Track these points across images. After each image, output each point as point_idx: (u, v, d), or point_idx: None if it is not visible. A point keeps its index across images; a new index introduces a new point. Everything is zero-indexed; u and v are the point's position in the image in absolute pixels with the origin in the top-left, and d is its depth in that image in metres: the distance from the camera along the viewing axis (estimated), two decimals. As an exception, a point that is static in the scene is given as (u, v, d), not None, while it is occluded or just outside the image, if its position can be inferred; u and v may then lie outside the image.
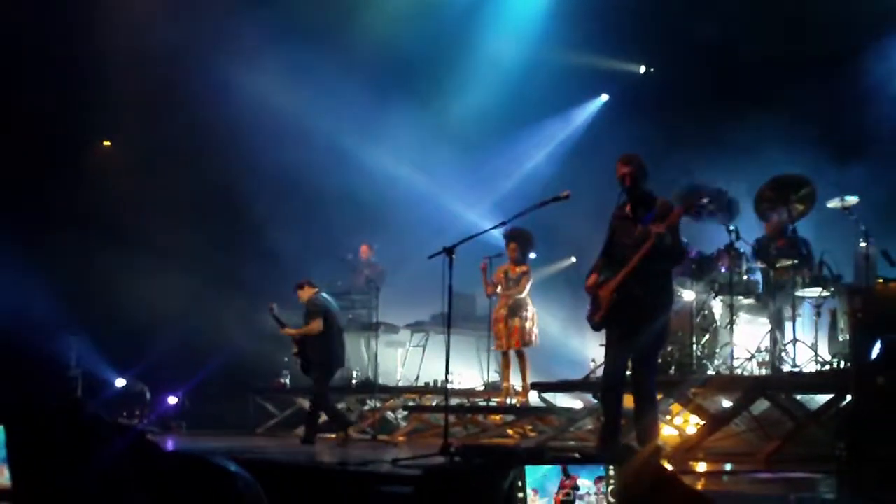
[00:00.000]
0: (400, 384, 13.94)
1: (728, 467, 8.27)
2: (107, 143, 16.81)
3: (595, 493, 3.63)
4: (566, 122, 16.42)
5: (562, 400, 11.78)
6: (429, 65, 15.14)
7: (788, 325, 10.04)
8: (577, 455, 7.54)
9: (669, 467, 6.95)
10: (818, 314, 10.01)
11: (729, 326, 10.09)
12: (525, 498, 3.57)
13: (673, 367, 10.09)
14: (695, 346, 10.16)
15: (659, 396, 8.37)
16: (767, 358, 10.00)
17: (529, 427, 11.89)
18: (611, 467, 3.63)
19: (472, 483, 4.07)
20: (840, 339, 9.78)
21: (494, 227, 9.19)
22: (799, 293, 10.08)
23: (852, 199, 10.04)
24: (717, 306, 10.54)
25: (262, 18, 14.35)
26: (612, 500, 3.61)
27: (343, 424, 11.63)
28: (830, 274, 9.97)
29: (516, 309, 11.56)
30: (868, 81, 12.32)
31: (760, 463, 8.29)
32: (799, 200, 10.41)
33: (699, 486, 6.39)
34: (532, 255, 11.73)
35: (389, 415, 13.78)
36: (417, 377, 13.70)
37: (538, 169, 15.95)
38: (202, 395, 14.15)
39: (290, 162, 14.73)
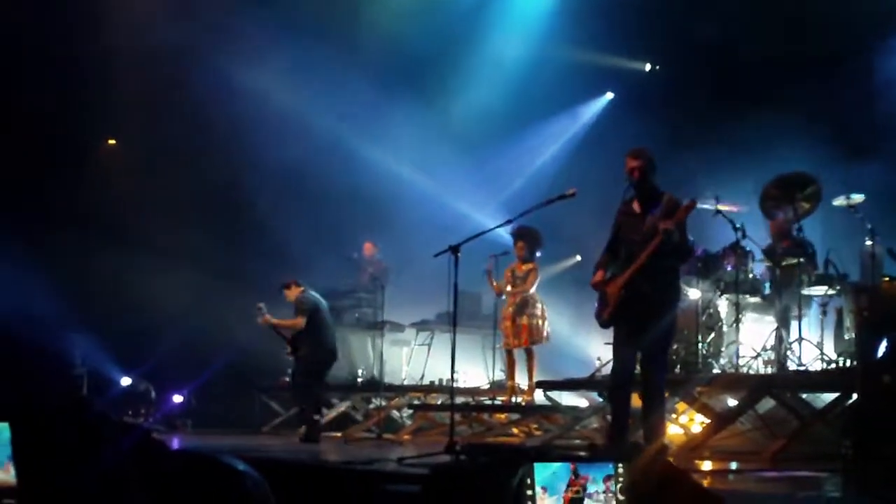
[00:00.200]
0: (405, 383, 13.95)
1: (733, 466, 8.28)
2: (112, 141, 16.81)
3: (604, 492, 3.64)
4: (572, 119, 16.43)
5: (567, 398, 11.80)
6: (433, 62, 15.15)
7: (794, 324, 10.04)
8: (583, 453, 7.59)
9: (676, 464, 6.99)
10: (824, 313, 10.03)
11: (735, 325, 10.10)
12: (534, 496, 3.58)
13: (678, 366, 10.10)
14: (700, 345, 10.17)
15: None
16: (773, 356, 10.00)
17: (535, 426, 11.90)
18: (620, 465, 3.65)
19: (480, 481, 4.08)
20: (846, 337, 9.79)
21: (500, 226, 9.19)
22: (805, 292, 10.09)
23: (858, 198, 10.06)
24: (723, 305, 10.56)
25: (266, 16, 14.37)
26: (621, 497, 3.62)
27: (309, 425, 11.51)
28: (836, 272, 9.99)
29: (524, 306, 11.56)
30: (874, 79, 12.33)
31: (766, 461, 8.29)
32: (804, 199, 10.40)
33: (704, 485, 6.39)
34: (538, 254, 11.72)
35: (395, 413, 13.80)
36: (423, 376, 13.71)
37: (544, 167, 15.97)
38: (207, 394, 14.18)
39: (295, 160, 14.74)
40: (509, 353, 11.84)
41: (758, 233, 10.81)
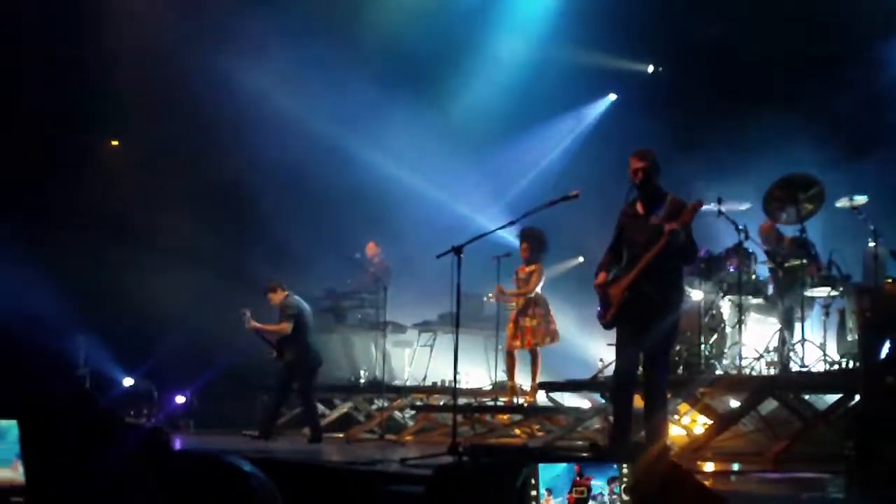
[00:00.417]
0: (407, 384, 13.96)
1: (736, 467, 8.29)
2: (114, 142, 16.83)
3: (608, 494, 3.64)
4: (574, 121, 16.44)
5: (569, 399, 11.80)
6: (436, 63, 15.16)
7: (797, 325, 10.04)
8: (586, 454, 7.60)
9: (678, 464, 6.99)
10: (827, 314, 10.04)
11: (737, 326, 10.10)
12: (538, 496, 3.58)
13: (681, 367, 10.11)
14: (703, 346, 10.18)
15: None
16: (776, 358, 10.01)
17: (537, 427, 11.91)
18: (624, 466, 3.65)
19: (483, 482, 4.09)
20: (849, 338, 9.79)
21: (502, 227, 9.21)
22: (808, 293, 10.09)
23: (861, 199, 10.07)
24: (726, 306, 10.56)
25: (267, 16, 14.38)
26: (625, 498, 3.63)
27: (267, 429, 11.53)
28: (839, 273, 9.99)
29: (526, 308, 11.56)
30: (877, 80, 12.33)
31: (769, 463, 8.29)
32: (808, 200, 10.40)
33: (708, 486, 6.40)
34: (543, 256, 11.71)
35: (397, 414, 13.80)
36: (425, 377, 13.72)
37: (547, 168, 15.98)
38: (210, 394, 14.18)
39: (296, 160, 14.77)
40: (510, 355, 11.84)
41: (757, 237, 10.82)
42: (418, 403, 13.12)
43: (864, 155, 11.58)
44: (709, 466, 8.19)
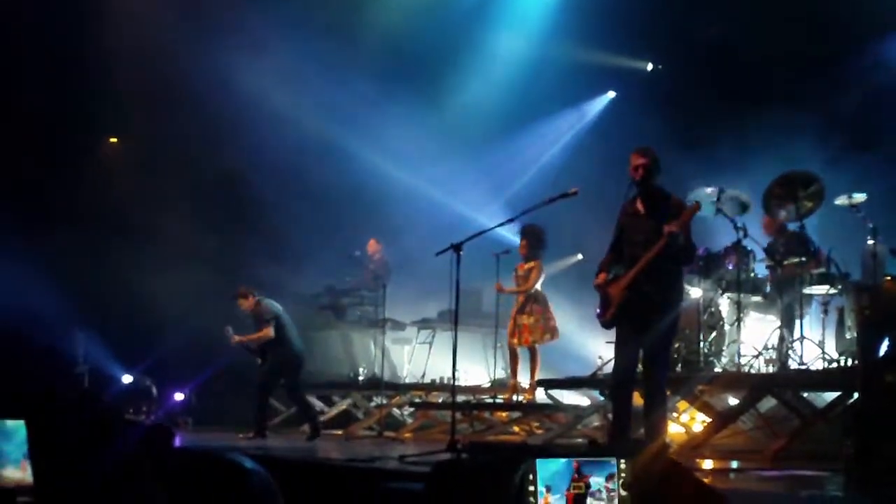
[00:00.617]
0: (406, 381, 13.97)
1: (735, 465, 8.31)
2: (113, 139, 16.83)
3: (607, 491, 3.66)
4: (573, 118, 16.43)
5: (569, 397, 11.81)
6: (435, 60, 15.16)
7: (796, 323, 10.05)
8: (585, 448, 7.61)
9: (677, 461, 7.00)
10: (825, 312, 10.04)
11: (736, 324, 10.11)
12: (537, 493, 3.60)
13: (680, 365, 10.12)
14: (702, 344, 10.19)
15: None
16: (774, 355, 10.02)
17: (536, 424, 11.92)
18: (622, 461, 3.66)
19: (482, 479, 4.10)
20: (847, 336, 9.80)
21: (501, 224, 9.21)
22: (807, 291, 10.10)
23: (860, 197, 10.08)
24: (725, 304, 10.58)
25: (266, 13, 14.39)
26: (623, 493, 3.64)
27: (260, 428, 11.68)
28: (838, 271, 10.00)
29: (524, 305, 11.58)
30: (876, 78, 12.33)
31: (767, 460, 8.30)
32: (807, 197, 10.41)
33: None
34: (542, 253, 11.71)
35: (396, 411, 13.81)
36: (424, 374, 13.73)
37: (546, 165, 15.97)
38: (209, 392, 14.20)
39: (297, 157, 14.79)
40: (511, 351, 11.85)
41: (759, 232, 10.84)
42: (417, 401, 13.14)
43: (864, 153, 11.58)
44: (707, 464, 8.20)
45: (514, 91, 15.21)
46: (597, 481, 3.66)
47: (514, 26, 15.58)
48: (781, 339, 10.04)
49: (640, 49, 15.47)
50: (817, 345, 9.82)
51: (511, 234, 12.08)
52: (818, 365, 9.62)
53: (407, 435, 12.33)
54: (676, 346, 9.91)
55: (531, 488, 3.60)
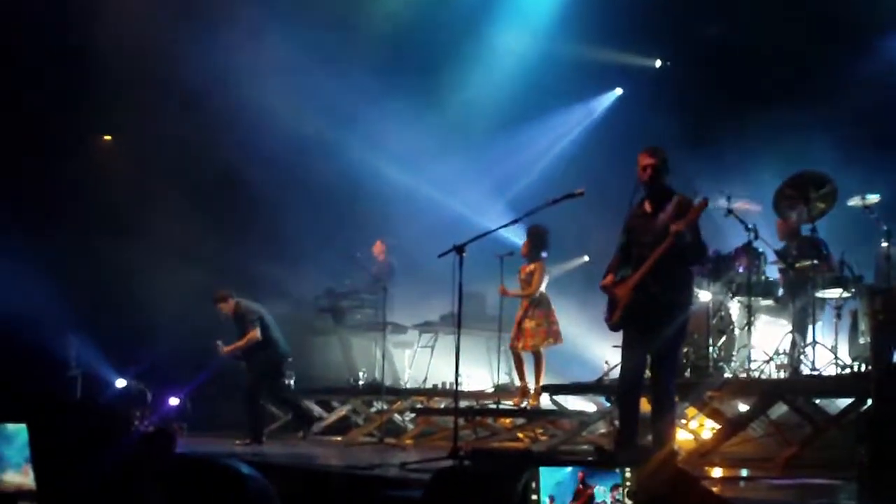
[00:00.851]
0: (408, 386, 13.98)
1: (745, 473, 8.30)
2: (107, 137, 16.84)
3: (612, 501, 3.66)
4: (579, 116, 16.42)
5: (574, 403, 11.81)
6: (437, 57, 15.13)
7: (808, 327, 10.04)
8: (590, 458, 7.62)
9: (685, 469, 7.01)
10: (838, 316, 10.02)
11: (747, 328, 10.11)
12: (539, 501, 3.60)
13: (688, 370, 10.12)
14: (711, 349, 10.19)
15: (674, 399, 8.40)
16: (786, 360, 10.02)
17: (540, 431, 11.91)
18: (627, 471, 3.67)
19: (484, 487, 4.11)
20: (861, 341, 9.79)
21: (505, 226, 9.22)
22: (819, 294, 10.10)
23: (873, 198, 10.08)
24: (735, 307, 10.57)
25: (264, 8, 14.40)
26: (629, 503, 3.65)
27: (257, 434, 11.88)
28: (851, 274, 9.99)
29: (527, 308, 11.56)
30: (892, 76, 12.33)
31: (778, 469, 8.30)
32: (819, 199, 10.39)
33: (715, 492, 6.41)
34: (544, 254, 11.70)
35: (397, 417, 13.81)
36: (426, 379, 13.73)
37: (551, 165, 15.94)
38: (205, 396, 14.20)
39: (296, 155, 14.79)
40: (516, 355, 11.83)
41: (771, 234, 10.84)
42: (419, 406, 13.13)
43: (878, 153, 11.58)
44: (717, 472, 8.21)
45: (518, 88, 15.22)
46: (602, 491, 3.66)
47: (518, 22, 15.57)
48: (793, 343, 10.03)
49: (648, 45, 15.44)
50: (830, 350, 9.82)
51: (514, 236, 12.08)
52: (831, 370, 9.62)
53: (408, 441, 12.33)
54: (685, 350, 9.90)
55: (534, 497, 3.61)
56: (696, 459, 8.87)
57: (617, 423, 8.55)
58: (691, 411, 10.24)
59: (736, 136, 13.32)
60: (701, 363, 10.13)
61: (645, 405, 7.92)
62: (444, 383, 13.26)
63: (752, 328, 10.10)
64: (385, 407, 13.07)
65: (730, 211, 10.25)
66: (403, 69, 14.92)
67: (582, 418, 11.10)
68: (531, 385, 11.68)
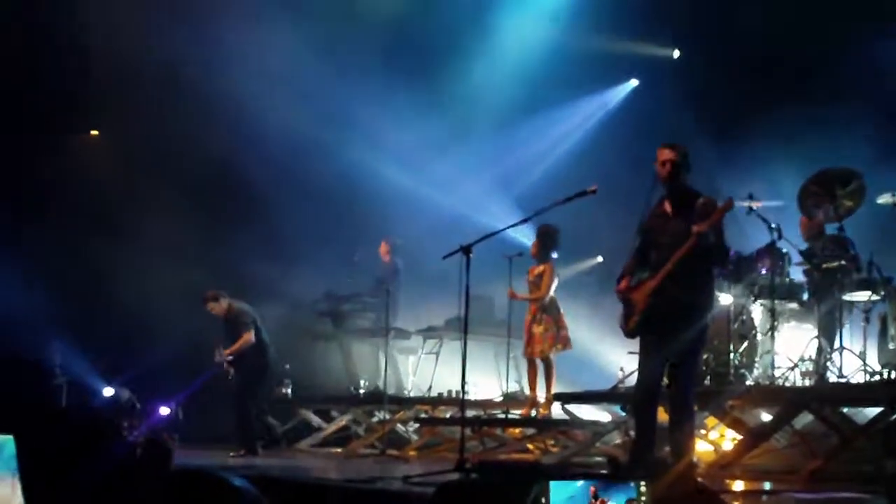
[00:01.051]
0: (411, 394, 13.98)
1: (768, 486, 8.30)
2: (94, 132, 16.86)
3: (626, 516, 3.66)
4: (592, 109, 16.40)
5: (587, 412, 11.81)
6: (442, 48, 15.14)
7: (835, 332, 10.03)
8: (604, 471, 7.61)
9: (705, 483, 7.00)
10: (867, 320, 10.00)
11: (770, 333, 10.11)
12: (550, 516, 3.61)
13: (708, 377, 10.11)
14: (732, 355, 10.17)
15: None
16: (811, 367, 10.01)
17: (552, 441, 11.92)
18: (642, 485, 3.67)
19: (492, 501, 4.11)
20: (891, 346, 9.80)
21: (514, 225, 9.22)
22: (846, 297, 10.08)
23: (904, 195, 10.07)
24: (757, 311, 10.56)
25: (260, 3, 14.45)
26: (644, 518, 3.65)
27: (251, 446, 11.94)
28: (880, 276, 9.98)
29: (536, 313, 11.54)
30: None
31: (803, 481, 8.29)
32: (847, 196, 10.37)
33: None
34: (555, 255, 11.68)
35: (400, 428, 13.82)
36: (430, 387, 13.73)
37: (562, 160, 15.92)
38: (197, 405, 14.20)
39: (293, 151, 14.80)
40: (529, 363, 11.80)
41: (795, 233, 10.82)
42: (423, 416, 13.13)
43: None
44: (738, 485, 8.22)
45: (526, 80, 15.24)
46: (615, 506, 3.66)
47: (525, 9, 15.54)
48: (819, 349, 10.03)
49: (665, 34, 15.41)
50: (858, 356, 9.81)
51: (523, 236, 12.07)
52: (859, 378, 9.60)
53: (412, 453, 12.33)
54: (705, 357, 9.88)
55: (544, 511, 3.62)
56: (716, 472, 8.87)
57: (632, 433, 8.55)
58: (711, 421, 10.23)
59: (759, 130, 13.30)
60: (721, 370, 10.13)
61: (662, 415, 7.92)
62: (449, 391, 13.25)
63: (776, 333, 10.10)
64: (387, 417, 13.07)
65: (752, 210, 10.22)
66: (404, 62, 14.91)
67: (595, 429, 11.09)
68: (541, 395, 11.66)
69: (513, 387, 12.88)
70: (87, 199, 15.22)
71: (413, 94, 14.59)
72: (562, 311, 11.58)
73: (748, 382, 9.99)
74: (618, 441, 11.00)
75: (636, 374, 8.16)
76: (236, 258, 14.70)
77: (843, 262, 10.12)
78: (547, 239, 11.53)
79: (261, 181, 15.19)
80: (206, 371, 12.88)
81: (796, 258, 10.66)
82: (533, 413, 11.70)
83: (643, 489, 3.67)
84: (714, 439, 10.63)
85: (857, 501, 6.98)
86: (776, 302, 10.18)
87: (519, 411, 11.96)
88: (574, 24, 15.07)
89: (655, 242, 7.74)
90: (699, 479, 7.38)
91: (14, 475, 4.28)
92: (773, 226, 10.23)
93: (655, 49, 15.67)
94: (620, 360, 11.35)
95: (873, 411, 8.89)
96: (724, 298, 10.41)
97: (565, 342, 11.49)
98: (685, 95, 14.13)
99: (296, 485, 7.93)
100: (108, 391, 14.35)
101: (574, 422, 11.36)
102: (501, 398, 13.02)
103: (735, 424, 9.74)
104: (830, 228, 10.64)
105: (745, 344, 10.37)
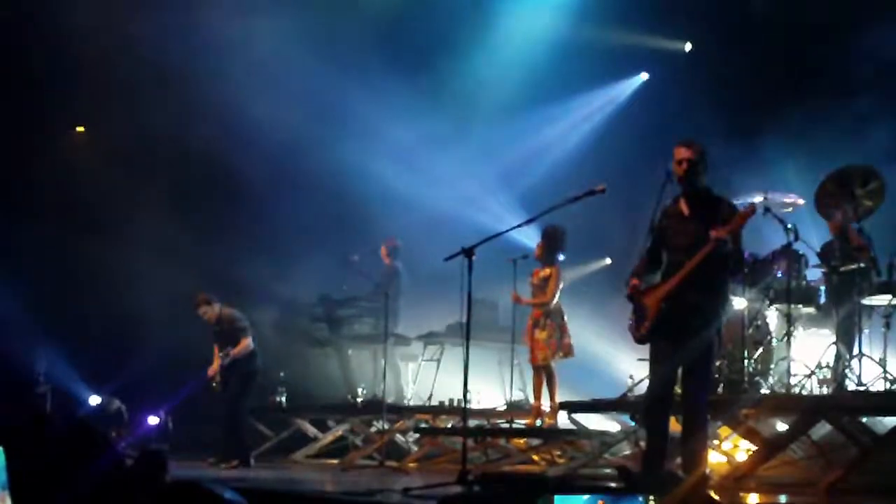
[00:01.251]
0: (411, 403, 13.98)
1: (784, 499, 8.31)
2: (80, 128, 16.88)
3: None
4: (600, 103, 16.41)
5: (595, 422, 11.81)
6: (443, 42, 15.16)
7: (854, 338, 10.03)
8: (613, 483, 7.62)
9: (717, 498, 7.02)
10: (887, 325, 9.99)
11: (786, 339, 10.10)
12: (556, 531, 3.62)
13: (722, 385, 10.11)
14: (746, 362, 10.17)
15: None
16: (829, 375, 10.01)
17: (558, 452, 11.93)
18: (653, 498, 3.69)
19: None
20: (912, 353, 9.80)
21: (518, 226, 9.22)
22: (866, 301, 10.08)
23: (926, 194, 10.08)
24: (773, 316, 10.56)
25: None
26: (654, 534, 3.66)
27: (244, 457, 12.10)
28: (902, 279, 9.98)
29: (539, 318, 11.53)
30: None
31: (821, 494, 8.30)
32: (866, 196, 10.37)
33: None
34: (561, 257, 11.68)
35: (399, 438, 13.84)
36: (431, 395, 13.73)
37: (569, 158, 15.91)
38: (187, 414, 14.22)
39: (288, 148, 14.83)
40: (536, 370, 11.79)
41: (812, 234, 10.82)
42: (423, 426, 13.14)
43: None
44: (753, 498, 8.22)
45: (531, 74, 15.25)
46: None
47: (537, 5, 15.55)
48: (837, 356, 10.03)
49: (676, 26, 15.42)
50: (878, 363, 9.81)
51: (526, 238, 12.08)
52: (879, 386, 9.61)
53: (411, 465, 12.35)
54: (718, 364, 9.89)
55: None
56: (729, 484, 8.88)
57: (643, 444, 8.55)
58: (725, 431, 10.23)
59: (774, 127, 13.30)
60: (735, 378, 10.13)
61: (674, 424, 7.92)
62: (451, 400, 13.24)
63: (792, 339, 10.09)
64: (386, 426, 13.07)
65: (767, 209, 10.21)
66: (402, 55, 14.94)
67: (604, 439, 11.10)
68: (545, 405, 11.65)
69: (517, 395, 12.88)
70: (73, 202, 15.24)
71: (411, 89, 14.61)
72: (566, 317, 11.57)
73: (763, 391, 9.99)
74: (627, 452, 11.01)
75: (647, 382, 8.16)
76: (227, 260, 14.73)
77: (861, 265, 10.11)
78: (553, 240, 11.51)
79: (253, 179, 15.22)
80: (193, 380, 12.90)
81: (813, 260, 10.66)
82: (538, 423, 11.71)
83: (652, 502, 3.68)
84: (728, 450, 10.63)
85: (878, 515, 6.99)
86: (792, 306, 10.17)
87: (524, 421, 11.97)
88: (582, 15, 15.06)
89: (669, 244, 7.74)
90: (712, 493, 7.38)
91: (4, 489, 4.29)
92: (789, 226, 10.21)
93: (666, 42, 15.69)
94: (630, 367, 11.36)
95: (894, 421, 8.89)
96: (739, 303, 10.40)
97: (567, 350, 11.48)
98: (698, 90, 14.13)
99: (291, 498, 7.94)
100: (94, 399, 14.37)
101: (581, 432, 11.36)
102: (505, 407, 13.03)
103: (749, 434, 9.73)
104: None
105: (760, 350, 10.37)
